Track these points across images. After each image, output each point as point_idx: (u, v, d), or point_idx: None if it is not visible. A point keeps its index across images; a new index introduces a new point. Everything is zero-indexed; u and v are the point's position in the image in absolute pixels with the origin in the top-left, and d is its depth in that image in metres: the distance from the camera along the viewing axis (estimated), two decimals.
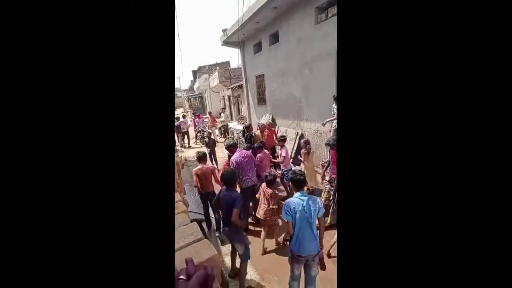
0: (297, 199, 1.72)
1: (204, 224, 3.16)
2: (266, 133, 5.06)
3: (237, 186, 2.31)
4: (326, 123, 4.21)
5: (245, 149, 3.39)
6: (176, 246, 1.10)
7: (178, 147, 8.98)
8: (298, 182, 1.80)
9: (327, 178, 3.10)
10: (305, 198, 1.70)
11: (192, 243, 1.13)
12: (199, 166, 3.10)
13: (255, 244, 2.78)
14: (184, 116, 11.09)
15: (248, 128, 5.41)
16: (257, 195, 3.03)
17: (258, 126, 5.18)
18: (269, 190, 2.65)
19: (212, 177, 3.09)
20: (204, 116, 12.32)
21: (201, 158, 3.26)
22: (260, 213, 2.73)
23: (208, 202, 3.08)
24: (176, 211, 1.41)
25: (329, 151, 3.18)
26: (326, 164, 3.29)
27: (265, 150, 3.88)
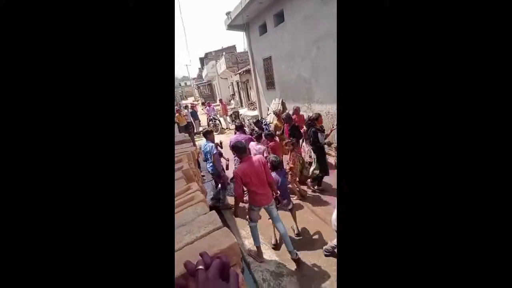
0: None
1: (225, 212, 3.32)
2: (295, 119, 4.39)
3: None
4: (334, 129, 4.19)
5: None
6: (197, 235, 1.21)
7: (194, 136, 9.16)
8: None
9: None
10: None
11: (212, 231, 1.24)
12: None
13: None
14: (205, 103, 11.18)
15: (257, 123, 4.91)
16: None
17: (274, 113, 4.68)
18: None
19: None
20: (214, 104, 12.37)
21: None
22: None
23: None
24: (194, 201, 1.52)
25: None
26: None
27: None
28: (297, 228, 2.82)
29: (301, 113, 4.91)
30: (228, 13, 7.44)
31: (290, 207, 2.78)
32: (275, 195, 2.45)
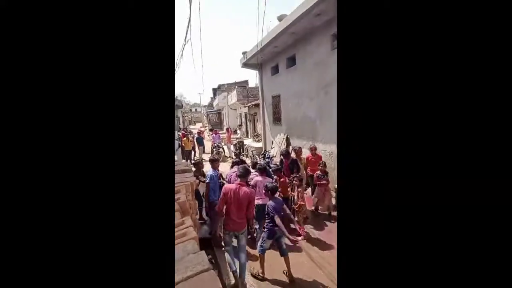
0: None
1: (216, 250, 3.12)
2: (309, 159, 4.30)
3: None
4: None
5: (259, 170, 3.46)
6: (184, 275, 1.14)
7: (193, 161, 9.16)
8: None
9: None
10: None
11: (199, 273, 1.17)
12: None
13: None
14: (212, 130, 11.45)
15: (286, 155, 4.20)
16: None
17: (294, 150, 4.30)
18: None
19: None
20: (220, 132, 12.63)
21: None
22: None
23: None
24: (186, 237, 1.46)
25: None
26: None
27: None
28: (290, 273, 2.64)
29: (304, 149, 4.72)
30: (244, 53, 8.07)
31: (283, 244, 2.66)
32: (251, 229, 2.58)
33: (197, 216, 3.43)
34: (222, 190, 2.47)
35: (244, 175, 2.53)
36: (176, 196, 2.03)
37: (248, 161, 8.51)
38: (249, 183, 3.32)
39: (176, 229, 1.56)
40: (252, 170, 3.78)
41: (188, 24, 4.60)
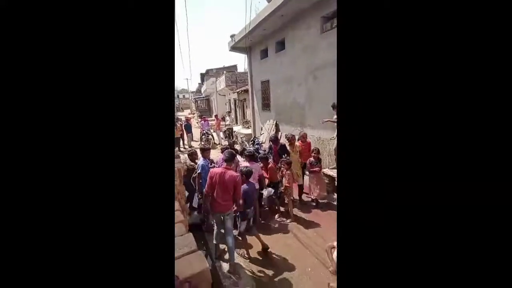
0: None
1: (208, 234, 3.14)
2: (300, 146, 4.19)
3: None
4: (325, 121, 4.24)
5: (248, 156, 3.47)
6: None
7: (182, 149, 9.05)
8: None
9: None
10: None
11: (186, 255, 1.17)
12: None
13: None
14: (201, 117, 11.24)
15: (275, 141, 4.21)
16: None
17: (287, 138, 4.19)
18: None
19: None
20: (209, 119, 12.44)
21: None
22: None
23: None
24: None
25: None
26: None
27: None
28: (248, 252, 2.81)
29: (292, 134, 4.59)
30: (232, 36, 7.79)
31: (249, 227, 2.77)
32: (235, 209, 2.58)
33: (188, 205, 3.41)
34: (209, 174, 2.54)
35: (229, 159, 2.57)
36: None
37: (238, 147, 8.51)
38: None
39: None
40: (241, 158, 3.79)
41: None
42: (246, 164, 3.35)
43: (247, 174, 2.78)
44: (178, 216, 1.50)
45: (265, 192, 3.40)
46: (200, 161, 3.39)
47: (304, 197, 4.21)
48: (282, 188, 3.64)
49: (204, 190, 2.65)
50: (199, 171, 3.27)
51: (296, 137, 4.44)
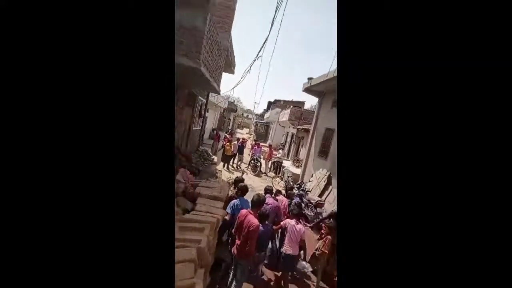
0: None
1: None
2: None
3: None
4: None
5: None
6: None
7: (231, 168, 9.32)
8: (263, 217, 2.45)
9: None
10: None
11: None
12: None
13: None
14: (257, 141, 11.71)
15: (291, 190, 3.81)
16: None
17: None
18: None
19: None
20: (262, 144, 12.67)
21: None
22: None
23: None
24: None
25: None
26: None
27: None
28: None
29: None
30: (310, 78, 7.96)
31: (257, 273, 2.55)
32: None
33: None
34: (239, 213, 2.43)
35: (256, 204, 2.37)
36: (197, 237, 1.90)
37: (282, 183, 8.21)
38: (281, 224, 3.02)
39: None
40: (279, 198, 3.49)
41: (264, 43, 4.74)
42: (292, 222, 2.92)
43: (262, 217, 2.44)
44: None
45: (300, 265, 2.98)
46: (234, 200, 2.96)
47: None
48: (317, 252, 3.15)
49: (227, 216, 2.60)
50: (228, 212, 2.81)
51: None
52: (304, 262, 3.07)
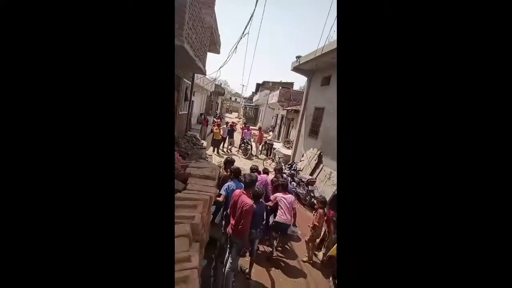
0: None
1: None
2: None
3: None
4: None
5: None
6: None
7: (221, 152, 9.25)
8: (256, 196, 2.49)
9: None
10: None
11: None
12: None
13: None
14: (245, 124, 11.64)
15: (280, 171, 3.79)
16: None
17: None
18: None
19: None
20: (252, 127, 12.58)
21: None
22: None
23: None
24: (185, 285, 1.28)
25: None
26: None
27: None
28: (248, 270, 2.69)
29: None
30: (298, 57, 7.78)
31: (250, 251, 2.57)
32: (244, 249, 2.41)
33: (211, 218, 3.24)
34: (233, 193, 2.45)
35: (249, 185, 2.41)
36: (191, 213, 1.89)
37: (273, 165, 8.30)
38: (272, 200, 3.15)
39: (177, 267, 1.40)
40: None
41: (250, 20, 4.51)
42: (280, 195, 3.11)
43: (256, 196, 2.48)
44: (194, 279, 1.29)
45: (290, 230, 3.10)
46: (229, 182, 2.92)
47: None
48: (310, 225, 3.27)
49: (221, 196, 2.64)
50: (223, 193, 2.79)
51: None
52: (293, 227, 3.21)
